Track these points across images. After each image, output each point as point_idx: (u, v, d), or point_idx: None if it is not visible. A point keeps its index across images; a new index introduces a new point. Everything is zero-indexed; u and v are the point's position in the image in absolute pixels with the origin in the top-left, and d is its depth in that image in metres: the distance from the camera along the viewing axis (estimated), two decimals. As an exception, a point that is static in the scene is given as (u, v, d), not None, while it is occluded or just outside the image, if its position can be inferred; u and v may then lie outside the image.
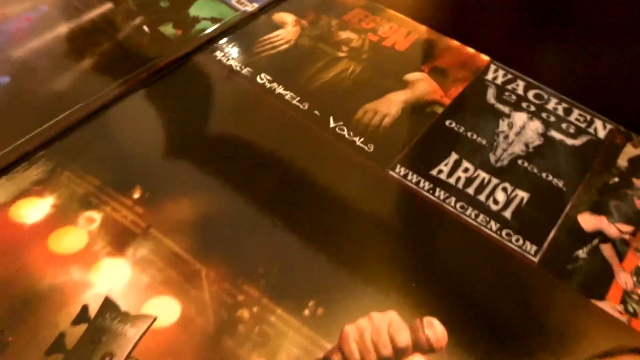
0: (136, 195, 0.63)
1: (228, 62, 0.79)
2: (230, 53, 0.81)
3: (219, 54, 0.81)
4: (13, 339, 0.52)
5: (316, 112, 0.73)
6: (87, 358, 0.51)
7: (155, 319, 0.54)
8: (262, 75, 0.77)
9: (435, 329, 0.54)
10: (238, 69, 0.78)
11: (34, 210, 0.61)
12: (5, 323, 0.52)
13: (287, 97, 0.74)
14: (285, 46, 0.83)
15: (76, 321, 0.53)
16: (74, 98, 0.71)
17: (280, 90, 0.75)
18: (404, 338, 0.53)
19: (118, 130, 0.70)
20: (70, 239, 0.59)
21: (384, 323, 0.54)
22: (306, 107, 0.73)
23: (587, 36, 0.93)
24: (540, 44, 0.91)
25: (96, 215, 0.61)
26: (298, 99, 0.74)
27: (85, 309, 0.54)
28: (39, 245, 0.58)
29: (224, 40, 0.83)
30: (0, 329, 0.52)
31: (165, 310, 0.55)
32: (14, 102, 0.71)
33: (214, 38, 0.83)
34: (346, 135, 0.70)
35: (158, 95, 0.74)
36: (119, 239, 0.59)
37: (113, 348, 0.52)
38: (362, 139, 0.70)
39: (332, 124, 0.71)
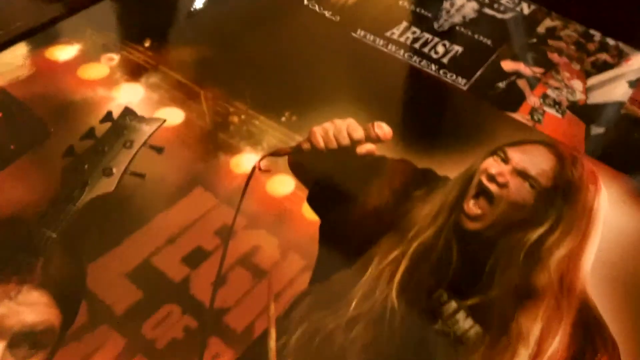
0: (147, 44, 0.78)
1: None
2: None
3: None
4: (54, 129, 0.67)
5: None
6: (112, 144, 0.66)
7: (164, 121, 0.69)
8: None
9: (383, 128, 0.69)
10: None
11: (64, 52, 0.76)
12: (48, 119, 0.67)
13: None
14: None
15: (103, 120, 0.68)
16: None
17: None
18: (359, 133, 0.68)
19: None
20: (95, 70, 0.74)
21: (344, 125, 0.69)
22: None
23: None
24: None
25: (115, 56, 0.76)
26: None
27: (109, 113, 0.69)
28: (71, 74, 0.73)
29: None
30: (44, 122, 0.67)
31: (172, 116, 0.70)
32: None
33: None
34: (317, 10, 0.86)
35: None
36: (134, 72, 0.75)
37: (133, 137, 0.67)
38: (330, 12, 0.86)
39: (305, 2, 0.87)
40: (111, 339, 0.51)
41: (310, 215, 0.62)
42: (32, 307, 0.52)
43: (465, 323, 0.54)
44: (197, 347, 0.51)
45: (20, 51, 0.76)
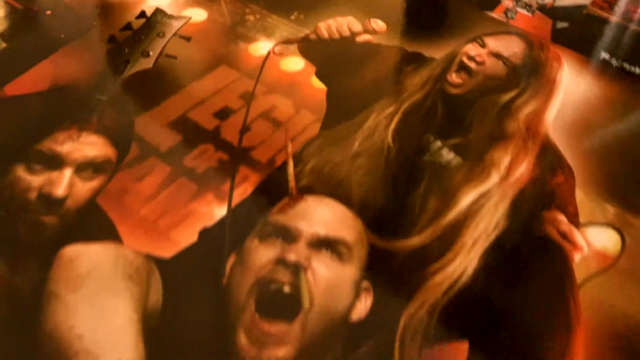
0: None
1: None
2: None
3: None
4: (96, 23, 0.78)
5: None
6: (147, 34, 0.77)
7: (190, 18, 0.80)
8: None
9: (378, 23, 0.80)
10: None
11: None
12: (90, 16, 0.79)
13: None
14: None
15: (138, 17, 0.79)
16: None
17: None
18: (358, 27, 0.79)
19: None
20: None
21: (344, 20, 0.80)
22: None
23: None
24: None
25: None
26: None
27: (143, 11, 0.80)
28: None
29: None
30: (87, 18, 0.78)
31: (197, 15, 0.81)
32: None
33: None
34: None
35: None
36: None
37: (164, 30, 0.78)
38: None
39: None
40: (158, 167, 0.62)
41: (318, 84, 0.73)
42: (92, 146, 0.63)
43: (448, 155, 0.65)
44: (230, 172, 0.62)
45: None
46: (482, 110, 0.70)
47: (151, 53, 0.75)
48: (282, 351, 0.49)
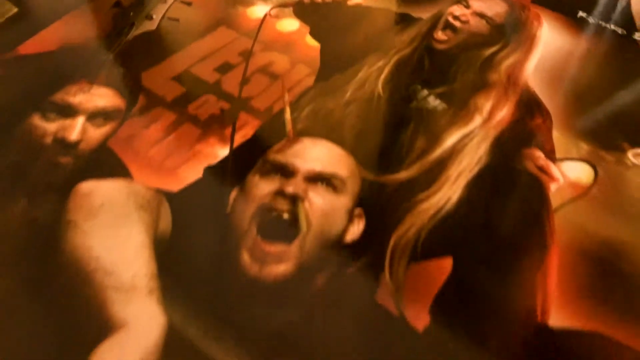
0: None
1: None
2: None
3: None
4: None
5: None
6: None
7: (191, -15, 0.85)
8: None
9: (368, -12, 0.85)
10: None
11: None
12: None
13: None
14: None
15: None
16: None
17: None
18: (349, -8, 0.84)
19: None
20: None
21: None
22: None
23: None
24: None
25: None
26: None
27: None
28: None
29: None
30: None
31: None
32: None
33: None
34: None
35: None
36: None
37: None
38: None
39: None
40: (164, 115, 0.67)
41: (312, 42, 0.78)
42: (102, 97, 0.68)
43: (434, 102, 0.70)
44: (231, 119, 0.67)
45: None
46: (466, 62, 0.75)
47: (154, 16, 0.80)
48: (281, 268, 0.54)
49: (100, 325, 0.49)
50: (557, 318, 0.51)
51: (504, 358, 0.49)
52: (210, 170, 0.62)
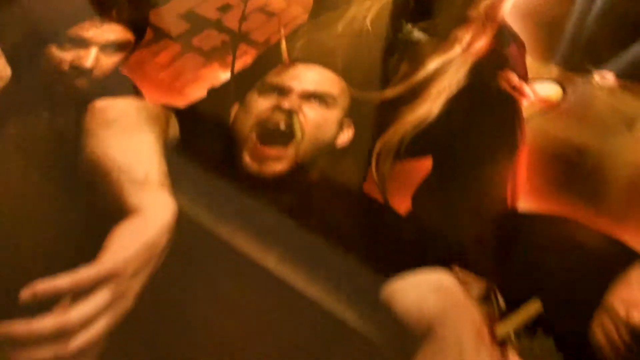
0: None
1: None
2: None
3: None
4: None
5: None
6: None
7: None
8: None
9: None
10: None
11: None
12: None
13: None
14: None
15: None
16: None
17: None
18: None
19: None
20: None
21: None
22: None
23: None
24: None
25: None
26: None
27: None
28: None
29: None
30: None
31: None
32: None
33: None
34: None
35: None
36: None
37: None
38: None
39: None
40: (171, 46, 0.73)
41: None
42: (112, 31, 0.74)
43: (418, 35, 0.76)
44: (231, 49, 0.73)
45: None
46: (448, 1, 0.81)
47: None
48: (279, 166, 0.60)
49: (117, 210, 0.55)
50: (526, 205, 0.57)
51: (478, 238, 0.56)
52: (213, 90, 0.68)
